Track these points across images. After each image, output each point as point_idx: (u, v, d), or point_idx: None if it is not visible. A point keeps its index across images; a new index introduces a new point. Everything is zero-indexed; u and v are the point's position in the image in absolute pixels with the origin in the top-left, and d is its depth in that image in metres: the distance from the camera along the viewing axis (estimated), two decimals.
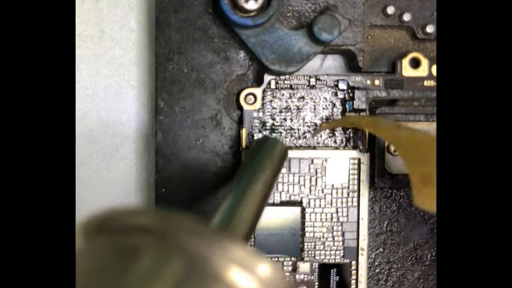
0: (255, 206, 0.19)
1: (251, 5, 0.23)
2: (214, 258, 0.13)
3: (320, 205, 0.26)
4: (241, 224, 0.18)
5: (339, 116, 0.26)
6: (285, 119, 0.26)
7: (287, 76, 0.26)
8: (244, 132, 0.25)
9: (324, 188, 0.26)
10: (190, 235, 0.14)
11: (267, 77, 0.26)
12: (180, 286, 0.13)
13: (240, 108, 0.25)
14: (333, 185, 0.26)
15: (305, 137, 0.26)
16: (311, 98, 0.26)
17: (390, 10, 0.25)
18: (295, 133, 0.26)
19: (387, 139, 0.24)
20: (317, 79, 0.26)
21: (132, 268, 0.13)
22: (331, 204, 0.26)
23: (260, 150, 0.22)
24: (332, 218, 0.26)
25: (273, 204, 0.26)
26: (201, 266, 0.13)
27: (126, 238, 0.14)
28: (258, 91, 0.25)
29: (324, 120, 0.26)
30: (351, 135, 0.26)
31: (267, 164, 0.21)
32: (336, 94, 0.26)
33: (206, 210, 0.24)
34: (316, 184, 0.26)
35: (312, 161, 0.26)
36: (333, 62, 0.26)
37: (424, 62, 0.25)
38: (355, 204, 0.26)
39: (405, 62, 0.25)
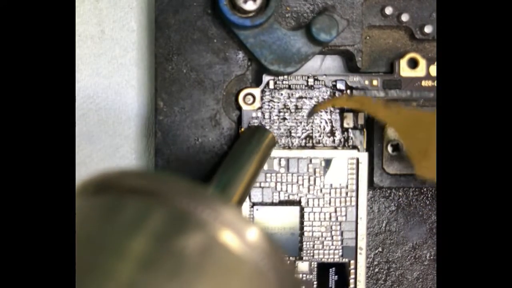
0: (246, 179, 0.21)
1: (250, 6, 0.23)
2: (202, 215, 0.14)
3: (319, 205, 0.26)
4: (233, 192, 0.20)
5: (338, 116, 0.26)
6: (283, 119, 0.26)
7: (285, 76, 0.26)
8: None
9: (322, 188, 0.26)
10: (180, 194, 0.14)
11: (265, 78, 0.26)
12: (162, 235, 0.14)
13: (239, 108, 0.25)
14: (331, 185, 0.26)
15: (304, 137, 0.26)
16: (310, 98, 0.26)
17: (388, 10, 0.25)
18: (294, 133, 0.26)
19: (377, 117, 0.24)
20: (315, 80, 0.26)
21: (115, 219, 0.14)
22: (330, 203, 0.26)
23: (250, 137, 0.24)
24: (330, 217, 0.26)
25: (272, 204, 0.26)
26: (185, 218, 0.14)
27: (119, 197, 0.15)
28: (257, 91, 0.25)
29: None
30: (350, 135, 0.26)
31: (256, 148, 0.23)
32: (334, 94, 0.26)
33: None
34: (315, 183, 0.26)
35: (311, 160, 0.26)
36: (331, 63, 0.26)
37: (422, 62, 0.25)
38: (353, 203, 0.26)
39: (403, 62, 0.25)
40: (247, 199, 0.26)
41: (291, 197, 0.26)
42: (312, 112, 0.26)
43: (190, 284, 0.13)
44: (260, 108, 0.26)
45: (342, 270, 0.26)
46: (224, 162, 0.22)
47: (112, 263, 0.13)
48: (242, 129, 0.25)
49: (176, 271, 0.13)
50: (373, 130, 0.26)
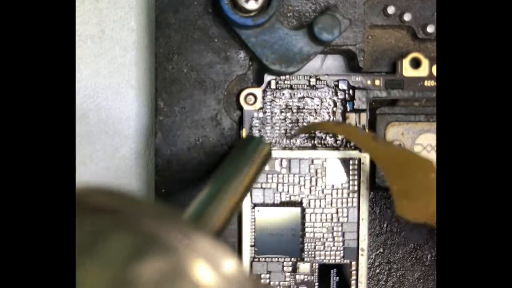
0: (230, 203, 0.19)
1: (251, 5, 0.23)
2: (168, 239, 0.12)
3: (320, 206, 0.26)
4: (213, 217, 0.18)
5: (340, 117, 0.26)
6: (285, 119, 0.26)
7: (287, 76, 0.26)
8: (244, 133, 0.25)
9: (324, 189, 0.26)
10: (147, 214, 0.13)
11: (267, 77, 0.26)
12: (116, 260, 0.12)
13: (240, 108, 0.25)
14: (333, 186, 0.26)
15: (305, 137, 0.26)
16: (311, 98, 0.26)
17: (391, 10, 0.25)
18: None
19: (363, 149, 0.24)
20: (317, 79, 0.26)
21: (78, 240, 0.13)
22: (331, 204, 0.26)
23: (242, 149, 0.22)
24: (332, 218, 0.26)
25: (274, 205, 0.26)
26: (148, 242, 0.12)
27: (79, 215, 0.13)
28: (258, 91, 0.25)
29: (317, 121, 0.26)
30: None
31: (247, 163, 0.21)
32: (336, 94, 0.26)
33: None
34: (316, 184, 0.26)
35: (312, 161, 0.26)
36: (333, 62, 0.26)
37: (425, 62, 0.25)
38: (355, 204, 0.26)
39: (406, 62, 0.25)
40: (248, 199, 0.25)
41: (292, 198, 0.26)
42: (296, 133, 0.26)
43: None
44: (262, 108, 0.26)
45: (344, 271, 0.26)
46: (209, 179, 0.20)
47: None
48: (244, 129, 0.25)
49: None
50: (375, 130, 0.25)
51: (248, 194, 0.25)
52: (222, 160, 0.24)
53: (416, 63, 0.25)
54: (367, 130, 0.25)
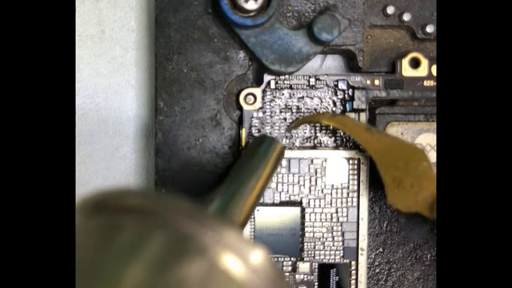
0: (250, 198, 0.20)
1: (251, 5, 0.23)
2: (203, 239, 0.13)
3: (320, 205, 0.26)
4: (236, 212, 0.19)
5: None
6: (285, 119, 0.26)
7: (286, 76, 0.26)
8: (244, 132, 0.25)
9: (324, 188, 0.26)
10: (180, 215, 0.13)
11: (266, 77, 0.26)
12: (160, 263, 0.13)
13: (240, 108, 0.25)
14: (333, 185, 0.26)
15: (305, 137, 0.26)
16: (311, 98, 0.26)
17: (390, 10, 0.25)
18: (295, 133, 0.26)
19: (357, 139, 0.24)
20: (317, 79, 0.26)
21: (111, 243, 0.13)
22: (331, 204, 0.26)
23: (257, 148, 0.23)
24: (332, 218, 0.26)
25: (273, 204, 0.26)
26: (186, 243, 0.13)
27: (116, 219, 0.14)
28: (258, 91, 0.25)
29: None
30: None
31: (263, 162, 0.22)
32: (336, 94, 0.26)
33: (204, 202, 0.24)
34: (316, 184, 0.26)
35: (312, 161, 0.26)
36: (333, 62, 0.26)
37: (424, 62, 0.25)
38: (355, 204, 0.26)
39: (405, 62, 0.25)
40: None
41: (292, 198, 0.26)
42: (293, 126, 0.26)
43: None
44: (261, 108, 0.26)
45: (343, 270, 0.26)
46: (227, 177, 0.21)
47: None
48: (244, 129, 0.25)
49: None
50: None
51: None
52: (221, 159, 0.24)
53: (415, 63, 0.25)
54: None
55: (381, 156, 0.24)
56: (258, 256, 0.14)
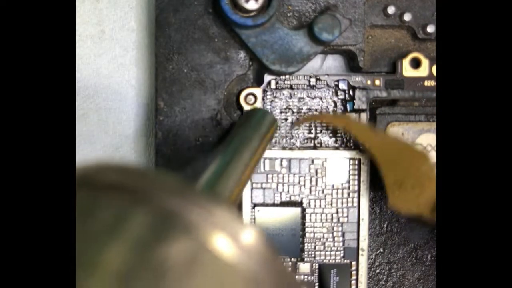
0: (242, 172, 0.18)
1: (252, 5, 0.23)
2: (190, 216, 0.12)
3: (320, 206, 0.26)
4: (227, 187, 0.17)
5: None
6: (285, 119, 0.26)
7: (287, 76, 0.26)
8: None
9: (324, 189, 0.26)
10: (165, 191, 0.12)
11: (267, 77, 0.26)
12: (142, 242, 0.12)
13: (240, 108, 0.25)
14: (333, 186, 0.26)
15: (306, 137, 0.26)
16: (312, 98, 0.26)
17: (391, 10, 0.25)
18: (296, 133, 0.26)
19: (360, 140, 0.24)
20: (317, 79, 0.26)
21: (89, 222, 0.12)
22: (332, 204, 0.26)
23: (249, 120, 0.22)
24: (332, 218, 0.26)
25: (274, 205, 0.26)
26: (171, 221, 0.12)
27: (95, 196, 0.13)
28: (258, 91, 0.25)
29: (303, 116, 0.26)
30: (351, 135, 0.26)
31: (255, 133, 0.21)
32: (336, 94, 0.26)
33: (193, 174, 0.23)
34: (317, 184, 0.26)
35: (313, 161, 0.26)
36: (333, 62, 0.26)
37: (425, 62, 0.25)
38: (355, 204, 0.26)
39: (406, 62, 0.25)
40: (249, 200, 0.25)
41: (292, 198, 0.26)
42: (296, 124, 0.26)
43: None
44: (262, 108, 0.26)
45: (344, 271, 0.26)
46: (218, 149, 0.20)
47: (83, 278, 0.11)
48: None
49: (156, 285, 0.11)
50: None
51: (249, 194, 0.25)
52: (216, 146, 0.24)
53: (416, 63, 0.25)
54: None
55: (383, 157, 0.23)
56: (250, 235, 0.13)
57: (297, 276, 0.26)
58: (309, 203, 0.26)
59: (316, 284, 0.26)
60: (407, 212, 0.24)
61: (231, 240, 0.12)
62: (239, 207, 0.25)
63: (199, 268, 0.12)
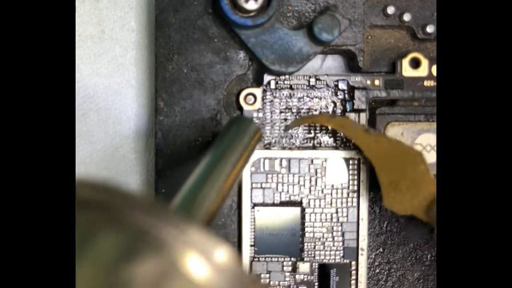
0: (221, 188, 0.18)
1: (251, 5, 0.23)
2: (160, 234, 0.12)
3: (320, 205, 0.26)
4: (202, 205, 0.17)
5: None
6: (285, 119, 0.26)
7: (287, 76, 0.26)
8: None
9: (324, 188, 0.26)
10: (136, 210, 0.12)
11: (267, 77, 0.26)
12: (109, 262, 0.12)
13: (240, 108, 0.25)
14: (333, 185, 0.26)
15: (305, 137, 0.26)
16: (311, 98, 0.26)
17: (390, 10, 0.25)
18: (295, 133, 0.26)
19: (355, 141, 0.25)
20: (317, 79, 0.26)
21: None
22: (331, 204, 0.26)
23: (230, 130, 0.21)
24: (332, 218, 0.26)
25: (273, 204, 0.26)
26: (140, 239, 0.12)
27: (78, 212, 0.13)
28: (258, 91, 0.25)
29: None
30: None
31: (237, 145, 0.20)
32: (336, 94, 0.26)
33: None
34: (316, 184, 0.26)
35: (312, 161, 0.26)
36: (333, 62, 0.26)
37: (424, 62, 0.25)
38: (355, 204, 0.26)
39: (405, 62, 0.25)
40: (248, 200, 0.25)
41: (292, 198, 0.26)
42: (291, 126, 0.26)
43: None
44: (261, 108, 0.26)
45: (343, 271, 0.26)
46: (196, 166, 0.18)
47: None
48: None
49: None
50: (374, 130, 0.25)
51: (248, 194, 0.25)
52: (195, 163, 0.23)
53: (415, 63, 0.25)
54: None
55: (378, 158, 0.24)
56: (222, 254, 0.12)
57: (297, 276, 0.26)
58: (309, 203, 0.26)
59: (316, 284, 0.26)
60: (402, 213, 0.24)
61: (203, 259, 0.12)
62: (239, 206, 0.26)
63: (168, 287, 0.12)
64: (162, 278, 0.12)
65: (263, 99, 0.26)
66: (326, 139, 0.26)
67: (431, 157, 0.26)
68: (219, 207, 0.17)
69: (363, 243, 0.26)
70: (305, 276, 0.26)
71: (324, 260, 0.26)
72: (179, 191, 0.17)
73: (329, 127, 0.26)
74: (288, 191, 0.26)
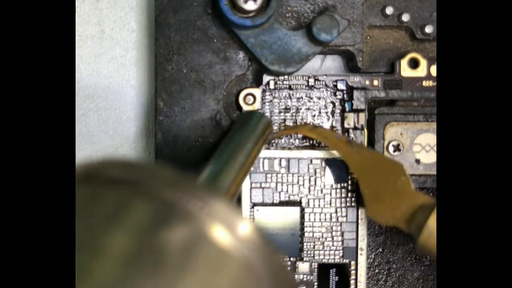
0: (240, 171, 0.20)
1: (250, 6, 0.23)
2: (187, 206, 0.13)
3: (319, 205, 0.26)
4: (225, 184, 0.18)
5: (339, 117, 0.26)
6: (284, 120, 0.26)
7: (286, 77, 0.26)
8: None
9: (323, 188, 0.26)
10: (165, 184, 0.13)
11: (266, 78, 0.26)
12: (143, 229, 0.13)
13: (240, 108, 0.25)
14: (332, 185, 0.26)
15: (305, 137, 0.26)
16: (310, 99, 0.26)
17: (389, 10, 0.25)
18: (294, 134, 0.26)
19: (338, 152, 0.25)
20: (316, 80, 0.26)
21: (93, 213, 0.13)
22: (330, 204, 0.26)
23: (244, 123, 0.23)
24: (331, 218, 0.26)
25: (273, 204, 0.26)
26: (170, 210, 0.13)
27: (98, 189, 0.14)
28: (257, 92, 0.25)
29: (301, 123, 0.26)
30: (350, 135, 0.26)
31: (251, 136, 0.22)
32: (335, 95, 0.26)
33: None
34: (315, 184, 0.26)
35: (311, 161, 0.26)
36: (332, 63, 0.26)
37: (423, 62, 0.25)
38: (354, 204, 0.26)
39: (404, 62, 0.25)
40: (248, 199, 0.25)
41: (291, 198, 0.26)
42: (274, 137, 0.26)
43: (172, 281, 0.12)
44: (261, 108, 0.26)
45: (343, 270, 0.26)
46: (217, 150, 0.21)
47: (88, 262, 0.12)
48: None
49: (157, 268, 0.12)
50: (374, 130, 0.26)
51: (248, 194, 0.25)
52: (216, 147, 0.24)
53: (414, 63, 0.25)
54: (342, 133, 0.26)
55: (360, 170, 0.24)
56: (245, 227, 0.13)
57: (296, 276, 0.26)
58: (308, 202, 0.26)
59: (315, 283, 0.26)
60: (384, 223, 0.24)
61: (227, 230, 0.13)
62: (238, 206, 0.26)
63: (197, 252, 0.13)
64: (191, 243, 0.13)
65: (262, 99, 0.26)
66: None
67: (430, 157, 0.26)
68: (238, 187, 0.20)
69: (363, 243, 0.26)
70: (305, 276, 0.26)
71: (323, 260, 0.26)
72: (204, 171, 0.19)
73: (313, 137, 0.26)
74: (287, 191, 0.26)
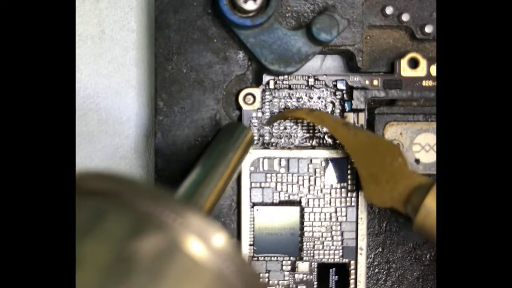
0: (218, 184, 0.20)
1: (250, 6, 0.23)
2: (161, 217, 0.13)
3: (319, 205, 0.26)
4: (202, 196, 0.19)
5: (339, 116, 0.26)
6: (284, 120, 0.26)
7: (286, 76, 0.26)
8: None
9: (323, 188, 0.26)
10: (141, 195, 0.14)
11: (266, 77, 0.26)
12: (115, 238, 0.13)
13: (239, 108, 0.25)
14: (332, 185, 0.26)
15: (304, 137, 0.26)
16: (310, 98, 0.26)
17: (389, 10, 0.25)
18: (294, 133, 0.26)
19: (335, 135, 0.25)
20: (315, 79, 0.26)
21: (79, 221, 0.14)
22: (330, 203, 0.26)
23: (226, 134, 0.23)
24: (331, 217, 0.26)
25: (272, 204, 0.26)
26: (143, 220, 0.14)
27: (81, 199, 0.14)
28: (257, 91, 0.25)
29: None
30: None
31: (232, 147, 0.22)
32: (334, 94, 0.26)
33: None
34: (315, 183, 0.26)
35: (311, 160, 0.26)
36: (332, 62, 0.26)
37: (423, 62, 0.25)
38: (354, 203, 0.26)
39: (404, 62, 0.25)
40: (248, 199, 0.26)
41: (291, 197, 0.26)
42: (272, 120, 0.26)
43: None
44: (261, 108, 0.26)
45: (343, 270, 0.26)
46: (197, 164, 0.21)
47: (76, 272, 0.12)
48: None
49: (130, 275, 0.13)
50: (373, 130, 0.26)
51: (247, 194, 0.25)
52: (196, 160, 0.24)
53: (414, 63, 0.25)
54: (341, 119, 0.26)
55: (357, 152, 0.24)
56: (220, 237, 0.14)
57: (296, 275, 0.26)
58: (308, 202, 0.26)
59: (315, 283, 0.26)
60: (381, 205, 0.24)
61: (200, 240, 0.14)
62: (238, 206, 0.26)
63: (169, 262, 0.13)
64: (163, 253, 0.13)
65: (262, 99, 0.26)
66: (325, 138, 0.26)
67: (430, 157, 0.26)
68: (216, 200, 0.20)
69: (362, 242, 0.26)
70: (304, 275, 0.26)
71: (323, 260, 0.26)
72: (183, 184, 0.19)
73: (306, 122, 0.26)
74: (287, 191, 0.26)
